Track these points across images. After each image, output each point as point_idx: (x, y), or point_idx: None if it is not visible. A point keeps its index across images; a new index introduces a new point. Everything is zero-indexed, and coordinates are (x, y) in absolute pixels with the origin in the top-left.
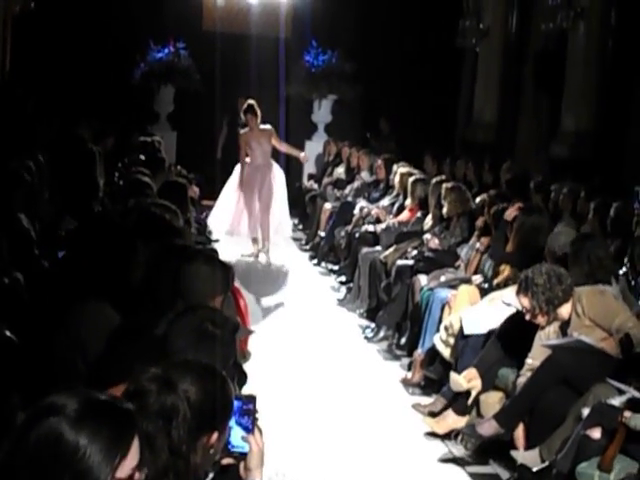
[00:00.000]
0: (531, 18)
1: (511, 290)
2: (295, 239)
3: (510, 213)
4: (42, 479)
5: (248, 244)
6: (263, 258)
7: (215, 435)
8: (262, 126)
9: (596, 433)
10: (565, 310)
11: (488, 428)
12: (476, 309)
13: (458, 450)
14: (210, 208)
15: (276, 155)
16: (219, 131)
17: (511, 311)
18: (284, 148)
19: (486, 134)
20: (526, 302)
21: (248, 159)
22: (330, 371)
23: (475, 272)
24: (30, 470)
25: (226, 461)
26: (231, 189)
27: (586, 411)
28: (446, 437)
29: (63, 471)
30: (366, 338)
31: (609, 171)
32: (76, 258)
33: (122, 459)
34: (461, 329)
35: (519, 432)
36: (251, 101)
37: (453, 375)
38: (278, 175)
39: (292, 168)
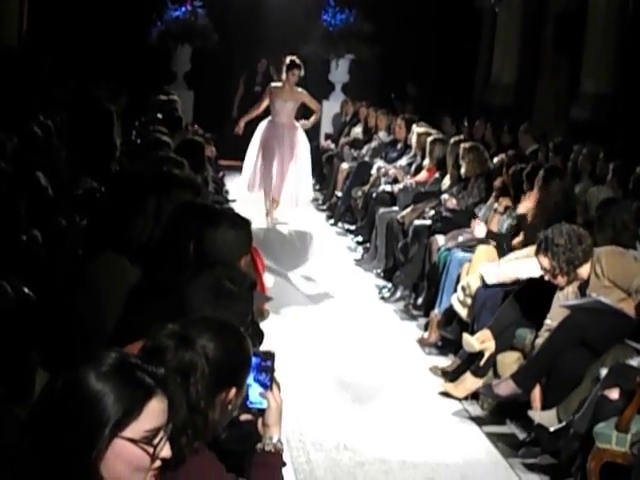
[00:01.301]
0: None
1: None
2: (312, 199)
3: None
4: (59, 422)
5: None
6: (271, 220)
7: (233, 391)
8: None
9: (614, 394)
10: (585, 270)
11: (505, 388)
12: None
13: (475, 409)
14: (226, 168)
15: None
16: (235, 90)
17: (530, 269)
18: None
19: (504, 96)
20: (546, 262)
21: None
22: (347, 331)
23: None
24: (51, 412)
25: (244, 417)
26: (253, 147)
27: (604, 372)
28: (463, 398)
29: (77, 417)
30: (383, 298)
31: (629, 133)
32: (94, 215)
33: (133, 419)
34: (478, 289)
35: (536, 392)
36: (293, 57)
37: (466, 336)
38: (302, 139)
39: (309, 128)
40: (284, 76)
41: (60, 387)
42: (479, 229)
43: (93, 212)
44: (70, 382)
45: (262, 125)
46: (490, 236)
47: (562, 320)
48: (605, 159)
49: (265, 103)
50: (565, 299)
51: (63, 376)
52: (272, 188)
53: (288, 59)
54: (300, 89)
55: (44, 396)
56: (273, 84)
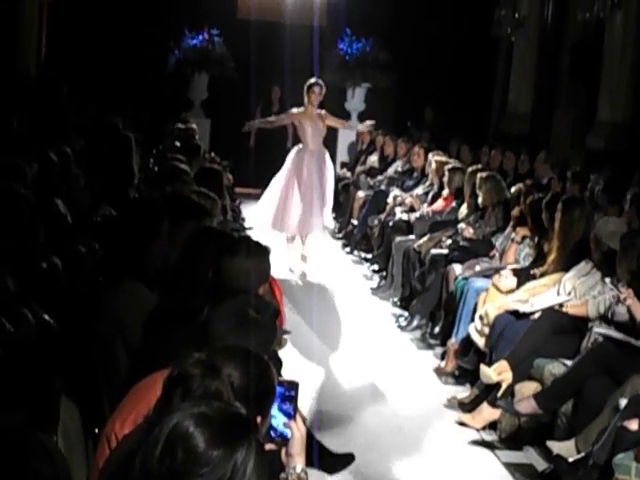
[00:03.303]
0: (567, 8)
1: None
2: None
3: None
4: None
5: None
6: (304, 264)
7: (258, 420)
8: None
9: (633, 424)
10: None
11: (526, 406)
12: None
13: (492, 438)
14: (243, 195)
15: None
16: (252, 119)
17: (549, 299)
18: (338, 124)
19: (521, 125)
20: None
21: (300, 145)
22: (363, 360)
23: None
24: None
25: (268, 447)
26: (280, 178)
27: (624, 402)
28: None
29: None
30: (399, 327)
31: None
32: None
33: None
34: (496, 319)
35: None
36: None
37: (483, 368)
38: (329, 166)
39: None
40: (305, 99)
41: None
42: (508, 281)
43: (110, 239)
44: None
45: (291, 155)
46: (514, 273)
47: (592, 348)
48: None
49: (283, 122)
50: None
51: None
52: (297, 229)
53: (308, 82)
54: (322, 110)
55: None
56: (295, 109)
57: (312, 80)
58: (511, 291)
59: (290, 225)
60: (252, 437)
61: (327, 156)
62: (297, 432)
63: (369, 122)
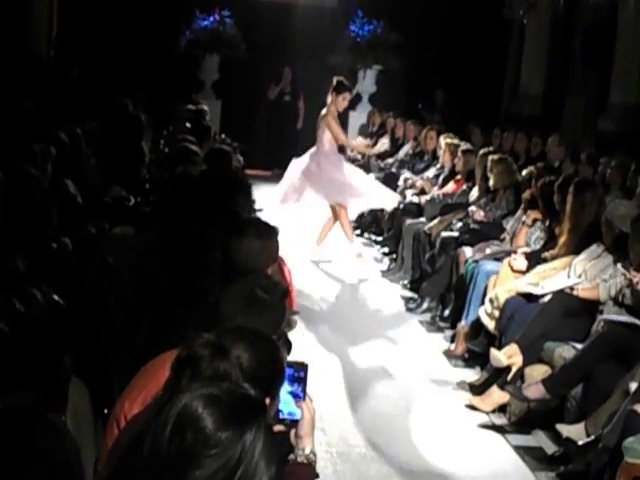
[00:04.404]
0: None
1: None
2: None
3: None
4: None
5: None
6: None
7: (267, 401)
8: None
9: None
10: None
11: (535, 391)
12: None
13: (502, 422)
14: (253, 177)
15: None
16: (265, 99)
17: (559, 282)
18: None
19: (532, 107)
20: None
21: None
22: (373, 342)
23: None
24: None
25: (277, 428)
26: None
27: (634, 386)
28: (490, 411)
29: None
30: (409, 309)
31: None
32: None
33: None
34: (506, 302)
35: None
36: (340, 78)
37: (493, 351)
38: (348, 165)
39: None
40: (330, 98)
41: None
42: (520, 263)
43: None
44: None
45: (305, 156)
46: (525, 257)
47: (600, 332)
48: (635, 171)
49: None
50: None
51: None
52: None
53: (335, 80)
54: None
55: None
56: (334, 111)
57: (344, 83)
58: (522, 273)
59: (306, 196)
60: (261, 419)
61: (344, 161)
62: (307, 413)
63: (362, 140)
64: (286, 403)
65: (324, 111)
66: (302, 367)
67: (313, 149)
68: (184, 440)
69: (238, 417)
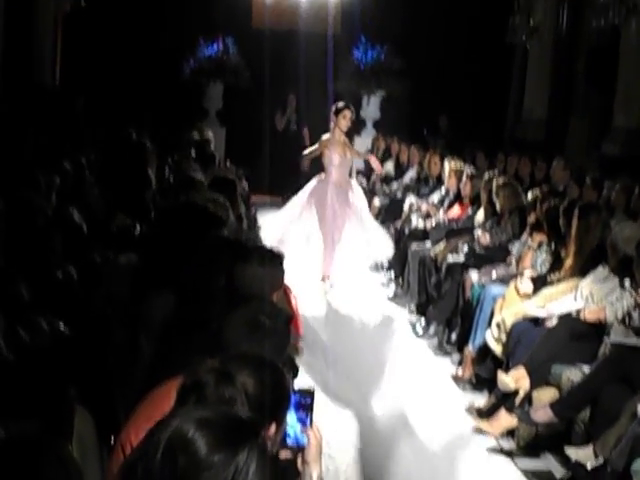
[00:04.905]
0: (582, 14)
1: (566, 286)
2: None
3: None
4: None
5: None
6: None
7: (273, 428)
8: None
9: None
10: None
11: (543, 415)
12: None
13: (510, 445)
14: (259, 204)
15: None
16: (272, 126)
17: (566, 305)
18: (357, 155)
19: (536, 131)
20: None
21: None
22: (380, 367)
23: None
24: None
25: (284, 454)
26: (296, 203)
27: None
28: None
29: None
30: (416, 334)
31: None
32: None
33: None
34: (513, 325)
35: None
36: (340, 102)
37: (501, 375)
38: (359, 194)
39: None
40: (332, 124)
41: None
42: (526, 286)
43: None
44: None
45: (311, 184)
46: (531, 280)
47: (608, 355)
48: None
49: (320, 150)
50: None
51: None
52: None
53: (334, 105)
54: (346, 139)
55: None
56: (324, 136)
57: (341, 104)
58: (528, 297)
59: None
60: (254, 440)
61: (355, 186)
62: (313, 439)
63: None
64: (293, 429)
65: (326, 136)
66: (309, 394)
67: (317, 181)
68: (176, 464)
69: (230, 439)
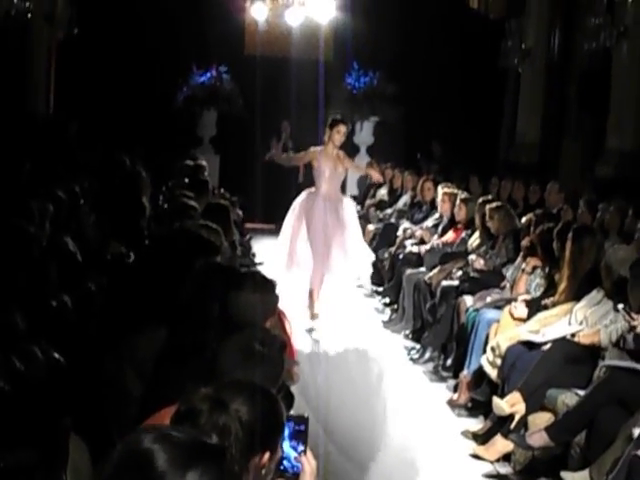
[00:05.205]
0: (574, 38)
1: (561, 310)
2: None
3: None
4: None
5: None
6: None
7: (267, 455)
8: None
9: None
10: None
11: (538, 439)
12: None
13: (506, 470)
14: (253, 231)
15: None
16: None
17: (560, 330)
18: (357, 169)
19: (529, 155)
20: None
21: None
22: (376, 393)
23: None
24: None
25: None
26: (289, 222)
27: (637, 431)
28: (495, 460)
29: None
30: (412, 359)
31: None
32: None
33: None
34: (508, 350)
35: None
36: (335, 115)
37: (496, 400)
38: (349, 210)
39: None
40: (326, 137)
41: None
42: (520, 310)
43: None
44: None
45: (301, 198)
46: (526, 304)
47: (603, 378)
48: (634, 216)
49: (302, 161)
50: None
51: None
52: (313, 278)
53: (330, 117)
54: (340, 151)
55: None
56: (313, 148)
57: (338, 116)
58: (522, 321)
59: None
60: (212, 463)
61: (346, 201)
62: (307, 467)
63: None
64: (287, 456)
65: (317, 148)
66: (303, 420)
67: (307, 194)
68: (130, 469)
69: (185, 456)
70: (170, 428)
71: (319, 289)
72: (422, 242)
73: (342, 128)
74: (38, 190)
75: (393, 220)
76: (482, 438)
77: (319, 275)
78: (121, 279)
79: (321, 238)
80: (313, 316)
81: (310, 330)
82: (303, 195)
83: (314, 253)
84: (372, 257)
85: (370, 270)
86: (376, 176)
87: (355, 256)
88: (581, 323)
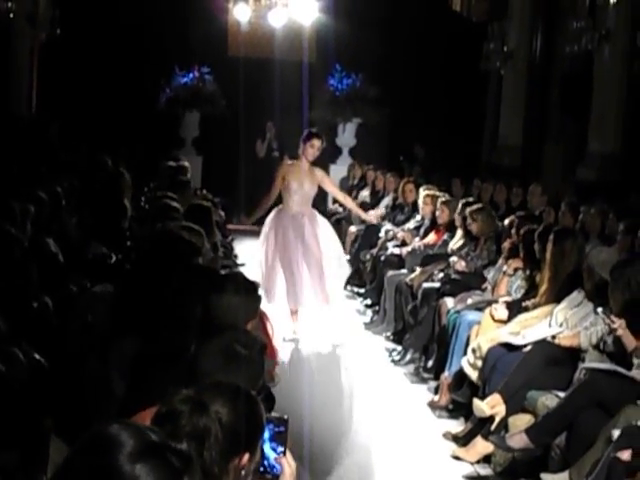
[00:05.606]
0: (556, 41)
1: (541, 312)
2: None
3: None
4: None
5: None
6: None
7: (247, 456)
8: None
9: (626, 455)
10: None
11: (519, 441)
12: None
13: (486, 472)
14: (235, 232)
15: None
16: (247, 155)
17: (541, 332)
18: (336, 194)
19: (512, 157)
20: None
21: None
22: (357, 394)
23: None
24: None
25: None
26: (262, 244)
27: (616, 433)
28: (475, 462)
29: None
30: (393, 361)
31: (637, 194)
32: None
33: None
34: (488, 351)
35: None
36: (311, 129)
37: (476, 402)
38: (323, 227)
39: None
40: (300, 150)
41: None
42: (501, 312)
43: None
44: (101, 468)
45: (270, 217)
46: (506, 306)
47: (583, 381)
48: (615, 218)
49: (278, 188)
50: None
51: (88, 460)
52: (301, 297)
53: (305, 131)
54: (320, 171)
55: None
56: (287, 162)
57: (313, 130)
58: (503, 323)
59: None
60: (167, 463)
61: (319, 218)
62: (287, 468)
63: (374, 215)
64: (267, 458)
65: (289, 162)
66: (282, 422)
67: (276, 212)
68: (91, 454)
69: (145, 451)
70: (146, 427)
71: (297, 312)
72: (404, 244)
73: (316, 142)
74: (20, 191)
75: (375, 222)
76: (463, 440)
77: (294, 303)
78: (103, 280)
79: (293, 269)
80: (294, 333)
81: (292, 332)
82: (272, 213)
83: (287, 284)
84: (347, 272)
85: (342, 286)
86: (371, 218)
87: (328, 281)
88: (561, 325)
